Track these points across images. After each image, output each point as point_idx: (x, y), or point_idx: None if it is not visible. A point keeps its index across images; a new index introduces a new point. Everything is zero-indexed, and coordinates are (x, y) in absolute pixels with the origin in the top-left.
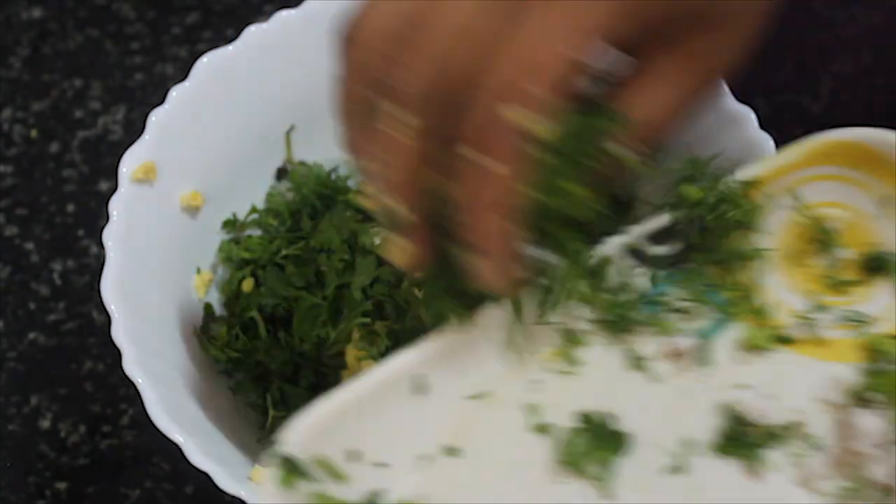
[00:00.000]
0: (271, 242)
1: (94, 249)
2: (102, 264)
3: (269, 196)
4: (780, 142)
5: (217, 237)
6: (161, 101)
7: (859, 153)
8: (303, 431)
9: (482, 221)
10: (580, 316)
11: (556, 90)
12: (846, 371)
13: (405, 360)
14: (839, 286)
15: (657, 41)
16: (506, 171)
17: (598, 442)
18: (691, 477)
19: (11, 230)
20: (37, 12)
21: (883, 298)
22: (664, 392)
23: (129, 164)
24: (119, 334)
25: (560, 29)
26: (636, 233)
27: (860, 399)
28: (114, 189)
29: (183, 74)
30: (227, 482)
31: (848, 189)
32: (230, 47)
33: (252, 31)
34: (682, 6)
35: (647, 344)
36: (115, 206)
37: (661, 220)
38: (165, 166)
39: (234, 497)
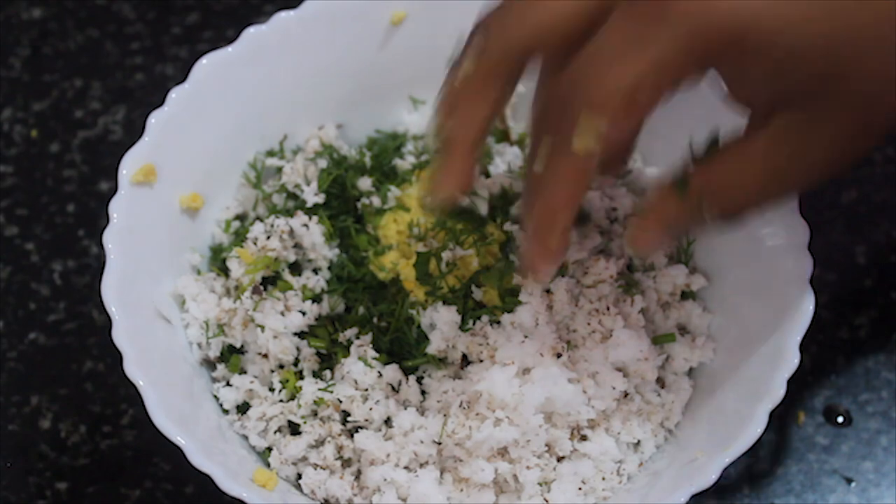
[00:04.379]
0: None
1: (94, 249)
2: (102, 264)
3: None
4: None
5: (217, 238)
6: (161, 102)
7: None
8: None
9: (554, 195)
10: None
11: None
12: None
13: None
14: None
15: (778, 102)
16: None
17: None
18: None
19: (11, 230)
20: (37, 12)
21: None
22: None
23: (129, 166)
24: (119, 336)
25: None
26: None
27: None
28: (114, 189)
29: (183, 75)
30: (227, 483)
31: None
32: (229, 48)
33: (251, 33)
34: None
35: None
36: (116, 207)
37: None
38: (165, 168)
39: (234, 498)
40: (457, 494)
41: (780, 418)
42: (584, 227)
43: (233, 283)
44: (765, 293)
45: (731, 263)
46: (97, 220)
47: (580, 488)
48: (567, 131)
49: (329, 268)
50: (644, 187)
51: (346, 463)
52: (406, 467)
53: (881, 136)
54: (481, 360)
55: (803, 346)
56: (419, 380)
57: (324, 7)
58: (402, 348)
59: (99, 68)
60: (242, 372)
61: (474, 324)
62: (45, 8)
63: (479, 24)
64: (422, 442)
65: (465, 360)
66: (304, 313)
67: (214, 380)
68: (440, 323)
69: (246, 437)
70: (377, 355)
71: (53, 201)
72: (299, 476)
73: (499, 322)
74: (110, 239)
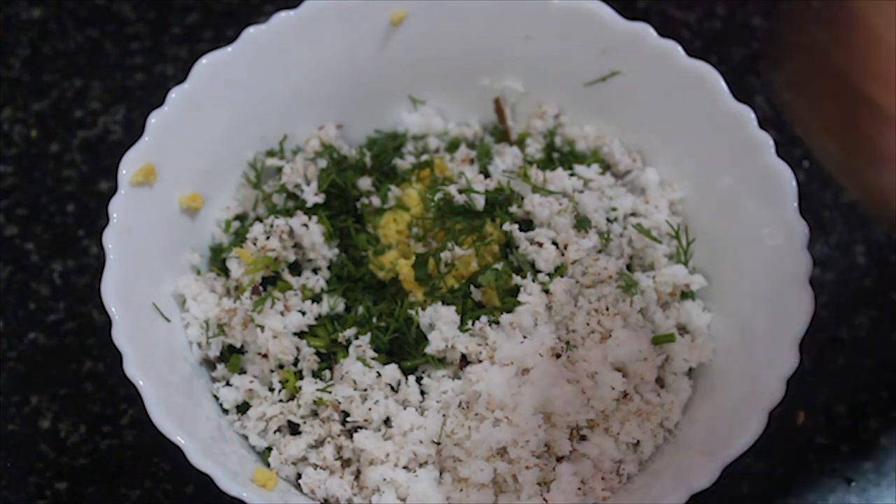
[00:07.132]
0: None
1: (94, 249)
2: (102, 264)
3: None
4: (780, 141)
5: (217, 238)
6: (161, 102)
7: None
8: None
9: None
10: None
11: None
12: None
13: None
14: None
15: None
16: None
17: None
18: None
19: (11, 230)
20: (37, 12)
21: None
22: None
23: (129, 166)
24: (119, 336)
25: None
26: None
27: None
28: (114, 189)
29: (183, 74)
30: (228, 484)
31: None
32: (229, 48)
33: (251, 33)
34: None
35: None
36: (115, 207)
37: None
38: (165, 168)
39: (234, 498)
40: (456, 494)
41: (780, 418)
42: (584, 227)
43: (233, 283)
44: (764, 293)
45: (731, 263)
46: (97, 220)
47: (579, 488)
48: None
49: (329, 268)
50: (644, 187)
51: (346, 463)
52: (405, 467)
53: None
54: (480, 361)
55: (803, 346)
56: (418, 380)
57: (324, 7)
58: (402, 348)
59: (99, 68)
60: (242, 372)
61: (473, 324)
62: (45, 8)
63: None
64: (421, 442)
65: (465, 361)
66: (303, 313)
67: (214, 380)
68: (439, 323)
69: (246, 437)
70: (376, 355)
71: (53, 201)
72: (299, 476)
73: (498, 322)
74: (110, 239)
